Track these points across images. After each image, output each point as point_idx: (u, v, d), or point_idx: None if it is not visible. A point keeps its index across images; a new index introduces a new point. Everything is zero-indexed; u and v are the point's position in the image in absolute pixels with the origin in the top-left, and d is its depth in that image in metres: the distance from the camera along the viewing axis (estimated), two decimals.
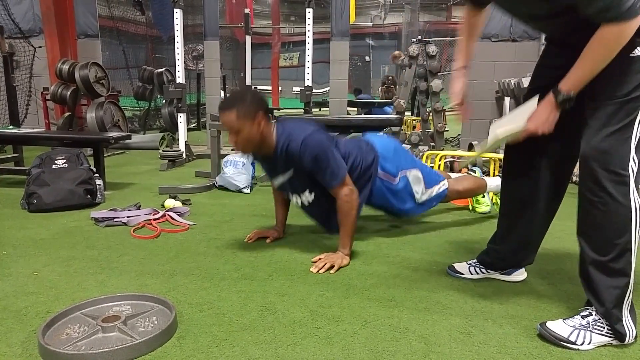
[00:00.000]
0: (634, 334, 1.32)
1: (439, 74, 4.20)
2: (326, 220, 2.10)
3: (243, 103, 1.77)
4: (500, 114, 4.80)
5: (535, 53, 4.73)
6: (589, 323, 1.32)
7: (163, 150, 4.03)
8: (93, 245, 2.10)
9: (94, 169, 2.89)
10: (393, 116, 3.33)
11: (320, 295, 1.60)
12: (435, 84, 4.02)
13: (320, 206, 2.02)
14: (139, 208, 2.63)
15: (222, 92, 5.68)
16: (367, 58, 15.54)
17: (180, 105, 4.18)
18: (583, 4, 1.18)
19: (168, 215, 2.50)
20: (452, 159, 3.62)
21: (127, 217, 2.45)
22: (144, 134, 6.03)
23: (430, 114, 5.59)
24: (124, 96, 6.21)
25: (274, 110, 7.66)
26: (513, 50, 4.80)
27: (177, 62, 4.12)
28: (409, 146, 4.30)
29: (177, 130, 4.89)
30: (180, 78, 4.14)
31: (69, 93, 4.63)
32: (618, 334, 1.30)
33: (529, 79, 3.77)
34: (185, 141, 4.27)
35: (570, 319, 1.35)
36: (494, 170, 3.08)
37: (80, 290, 1.62)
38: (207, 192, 3.17)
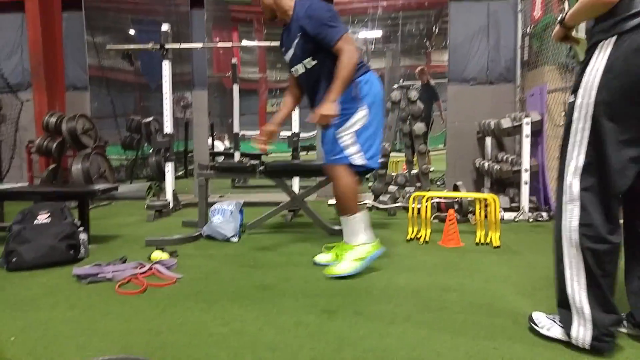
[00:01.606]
0: None
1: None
2: (321, 89, 2.32)
3: None
4: (483, 153, 4.89)
5: (512, 94, 4.91)
6: None
7: (150, 201, 4.00)
8: (74, 304, 2.02)
9: (78, 223, 2.84)
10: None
11: (311, 349, 1.56)
12: (418, 127, 4.11)
13: (312, 75, 2.36)
14: (124, 262, 2.58)
15: (209, 139, 5.73)
16: None
17: (168, 155, 4.18)
18: None
19: (155, 268, 2.45)
20: (438, 200, 3.65)
21: (112, 272, 2.40)
22: (131, 183, 6.00)
23: (415, 155, 5.72)
24: (111, 145, 6.22)
25: (262, 156, 7.72)
26: (490, 92, 4.97)
27: (165, 113, 4.16)
28: (396, 187, 4.35)
29: (164, 179, 4.90)
30: (168, 128, 4.17)
31: (54, 145, 4.62)
32: None
33: (508, 119, 3.91)
34: (173, 190, 4.25)
35: None
36: (480, 210, 3.11)
37: (58, 356, 1.54)
38: (195, 243, 3.12)
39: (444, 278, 2.30)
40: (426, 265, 2.52)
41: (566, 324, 1.50)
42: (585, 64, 1.44)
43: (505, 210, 3.79)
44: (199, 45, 4.09)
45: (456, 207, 3.64)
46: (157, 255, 2.65)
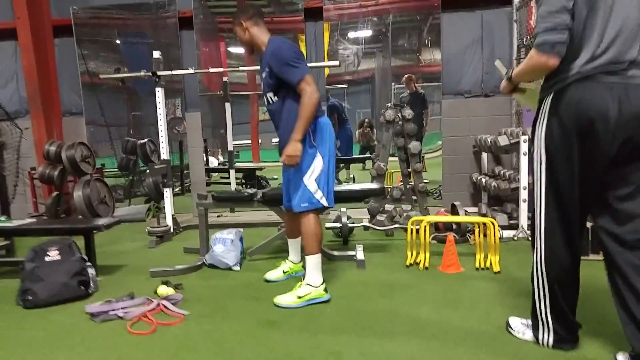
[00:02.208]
0: None
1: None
2: (281, 124, 2.55)
3: (241, 15, 2.54)
4: (479, 168, 4.97)
5: (507, 107, 4.96)
6: None
7: (150, 227, 4.06)
8: (91, 346, 2.10)
9: (86, 258, 2.91)
10: (375, 186, 3.45)
11: None
12: (414, 146, 4.18)
13: (275, 110, 2.57)
14: (132, 298, 2.65)
15: (204, 156, 5.78)
16: (343, 104, 15.97)
17: (165, 181, 4.25)
18: None
19: (162, 304, 2.52)
20: (440, 235, 3.68)
21: (122, 309, 2.47)
22: (129, 203, 6.05)
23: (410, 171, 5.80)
24: (105, 156, 6.25)
25: (256, 171, 7.80)
26: (486, 105, 4.99)
27: (160, 138, 4.22)
28: (393, 206, 4.42)
29: (162, 199, 4.96)
30: (164, 154, 4.23)
31: (56, 173, 4.69)
32: None
33: (505, 137, 3.94)
34: (172, 215, 4.32)
35: None
36: (479, 233, 3.18)
37: None
38: (198, 272, 3.19)
39: (446, 312, 2.36)
40: (428, 298, 2.57)
41: (535, 330, 1.94)
42: (534, 119, 1.76)
43: (504, 228, 3.86)
44: (190, 71, 4.15)
45: (454, 227, 3.72)
46: (163, 290, 2.72)
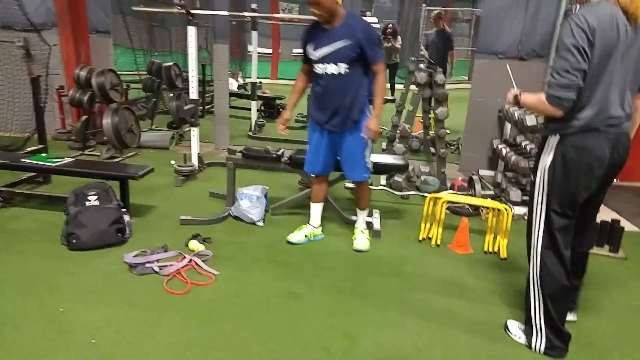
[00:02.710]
0: None
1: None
2: (347, 95, 2.77)
3: None
4: (501, 134, 4.97)
5: (542, 74, 4.80)
6: None
7: (178, 165, 4.22)
8: (132, 301, 2.37)
9: (122, 204, 3.12)
10: (401, 161, 3.53)
11: None
12: (441, 112, 4.18)
13: (342, 81, 2.74)
14: (166, 250, 2.89)
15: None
16: (367, 13, 15.23)
17: (193, 121, 4.33)
18: None
19: (194, 261, 2.77)
20: (456, 206, 3.80)
21: (157, 261, 2.72)
22: (152, 124, 6.17)
23: (431, 120, 5.80)
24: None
25: (275, 100, 7.78)
26: (520, 69, 4.82)
27: (190, 78, 4.23)
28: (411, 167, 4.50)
29: (185, 123, 5.07)
30: (193, 93, 4.27)
31: (85, 98, 4.77)
32: None
33: (532, 117, 3.97)
34: (198, 153, 4.46)
35: None
36: (492, 217, 3.32)
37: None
38: (224, 224, 3.41)
39: (453, 300, 2.58)
40: (437, 282, 2.77)
41: (528, 336, 2.16)
42: (539, 153, 2.02)
43: (516, 204, 3.99)
44: (224, 13, 4.04)
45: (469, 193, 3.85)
46: (195, 245, 2.95)
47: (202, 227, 3.29)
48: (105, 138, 4.74)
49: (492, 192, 4.10)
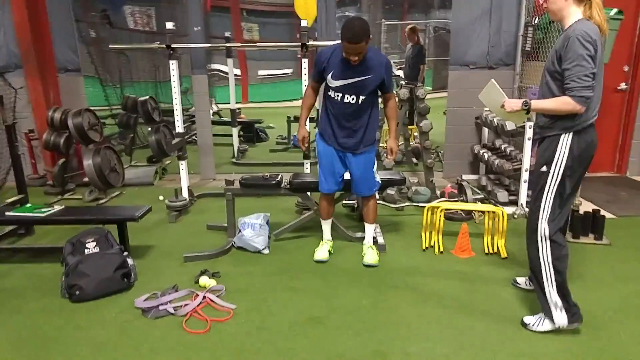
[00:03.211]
0: None
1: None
2: (359, 121, 2.97)
3: (367, 34, 2.68)
4: (480, 139, 5.16)
5: (510, 80, 5.07)
6: None
7: (169, 201, 4.15)
8: (154, 347, 2.30)
9: (123, 248, 3.04)
10: (397, 176, 3.60)
11: None
12: (425, 124, 4.31)
13: (358, 108, 2.93)
14: (176, 290, 2.83)
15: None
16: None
17: (181, 154, 4.29)
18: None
19: (208, 298, 2.72)
20: (450, 213, 3.89)
21: (170, 302, 2.65)
22: (130, 162, 6.06)
23: (411, 131, 5.96)
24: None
25: (255, 124, 7.80)
26: (490, 77, 5.04)
27: (175, 111, 4.20)
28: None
29: (166, 156, 4.98)
30: (179, 127, 4.24)
31: (62, 140, 4.64)
32: None
33: (512, 123, 4.14)
34: (188, 187, 4.41)
35: None
36: (488, 221, 3.43)
37: None
38: (228, 256, 3.37)
39: (469, 309, 2.64)
40: (450, 290, 2.83)
41: (549, 317, 2.31)
42: (552, 149, 2.21)
43: (504, 204, 4.14)
44: (206, 45, 4.06)
45: (460, 199, 3.96)
46: (205, 281, 2.90)
47: (207, 261, 3.25)
48: (85, 180, 4.61)
49: (481, 196, 4.23)
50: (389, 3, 16.13)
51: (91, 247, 2.91)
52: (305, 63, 4.14)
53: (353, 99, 2.88)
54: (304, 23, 4.19)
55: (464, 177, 5.24)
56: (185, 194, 4.35)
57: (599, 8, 2.16)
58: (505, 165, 4.12)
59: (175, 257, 3.33)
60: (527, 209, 4.04)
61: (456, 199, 4.17)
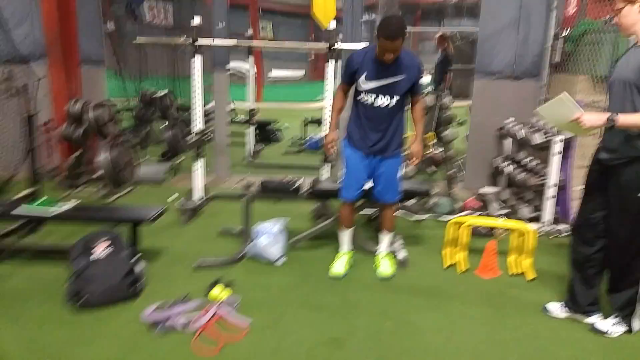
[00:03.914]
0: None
1: None
2: (391, 126, 2.93)
3: (404, 32, 2.67)
4: (500, 151, 4.99)
5: (535, 91, 4.89)
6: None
7: (182, 204, 4.03)
8: None
9: (133, 251, 2.90)
10: (424, 186, 3.47)
11: None
12: (451, 133, 4.17)
13: (390, 110, 2.89)
14: (187, 301, 2.69)
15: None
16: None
17: (199, 152, 4.17)
18: None
19: (221, 312, 2.57)
20: (482, 231, 3.71)
21: (181, 320, 2.47)
22: (144, 156, 5.97)
23: (429, 139, 5.80)
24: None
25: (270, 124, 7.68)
26: (515, 88, 4.92)
27: (195, 108, 4.10)
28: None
29: (181, 152, 4.84)
30: (199, 124, 4.13)
31: (80, 132, 4.56)
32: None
33: (540, 134, 4.10)
34: (205, 185, 4.29)
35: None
36: (515, 239, 3.28)
37: None
38: (242, 264, 3.24)
39: (498, 340, 2.50)
40: (476, 316, 2.68)
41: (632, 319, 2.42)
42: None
43: (529, 220, 3.98)
44: (232, 42, 3.94)
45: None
46: (219, 292, 2.76)
47: (219, 269, 3.12)
48: (95, 176, 4.52)
49: (505, 211, 4.06)
50: (402, 9, 16.01)
51: (100, 250, 2.78)
52: (331, 65, 4.02)
53: (387, 99, 2.86)
54: (332, 25, 4.07)
55: (484, 189, 5.09)
56: (199, 193, 4.24)
57: None
58: (530, 180, 3.96)
59: (185, 263, 3.21)
60: (552, 227, 3.87)
61: (480, 213, 4.01)
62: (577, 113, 2.19)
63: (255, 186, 3.36)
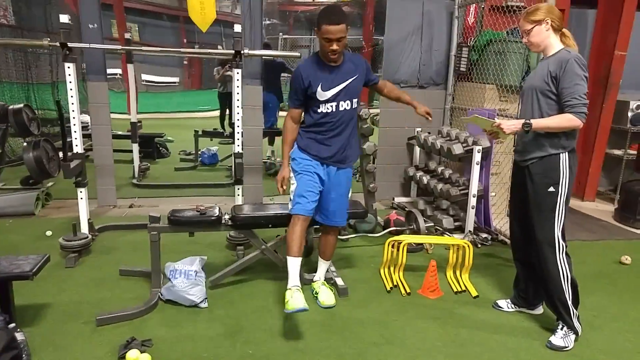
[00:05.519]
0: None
1: None
2: (346, 132, 2.70)
3: (347, 17, 2.45)
4: (411, 160, 5.01)
5: (441, 99, 5.00)
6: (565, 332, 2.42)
7: (65, 240, 3.25)
8: None
9: (7, 318, 2.16)
10: (359, 209, 3.19)
11: None
12: (368, 146, 3.99)
13: (349, 115, 2.68)
14: None
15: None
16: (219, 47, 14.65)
17: (80, 180, 3.41)
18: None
19: None
20: (413, 246, 3.57)
21: None
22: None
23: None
24: None
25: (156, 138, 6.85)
26: (421, 96, 4.95)
27: (73, 127, 3.34)
28: None
29: (46, 177, 3.94)
30: (78, 146, 3.37)
31: None
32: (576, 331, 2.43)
33: (459, 145, 4.14)
34: (89, 219, 3.53)
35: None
36: (453, 254, 3.19)
37: None
38: (156, 312, 2.65)
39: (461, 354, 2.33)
40: (431, 340, 2.52)
41: (574, 329, 2.41)
42: (556, 169, 2.32)
43: (450, 231, 3.98)
44: (116, 47, 3.30)
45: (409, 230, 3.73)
46: (134, 356, 2.18)
47: (130, 322, 2.51)
48: None
49: (430, 224, 4.00)
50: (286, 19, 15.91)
51: None
52: (238, 74, 3.60)
53: (348, 104, 2.65)
54: (237, 28, 3.65)
55: (397, 199, 5.06)
56: (85, 229, 3.47)
57: (572, 38, 2.36)
58: (452, 191, 3.96)
59: (82, 319, 2.53)
60: (474, 237, 3.90)
61: (405, 228, 3.90)
62: (496, 121, 2.36)
63: (161, 219, 2.78)
